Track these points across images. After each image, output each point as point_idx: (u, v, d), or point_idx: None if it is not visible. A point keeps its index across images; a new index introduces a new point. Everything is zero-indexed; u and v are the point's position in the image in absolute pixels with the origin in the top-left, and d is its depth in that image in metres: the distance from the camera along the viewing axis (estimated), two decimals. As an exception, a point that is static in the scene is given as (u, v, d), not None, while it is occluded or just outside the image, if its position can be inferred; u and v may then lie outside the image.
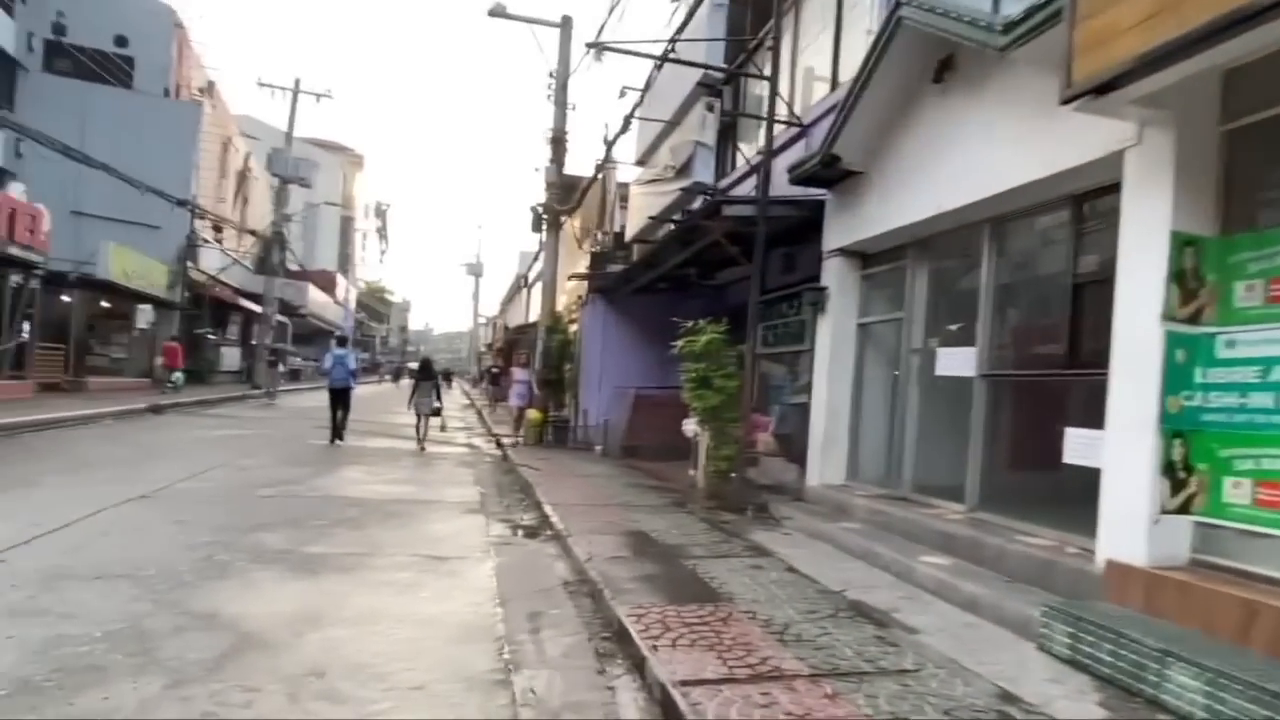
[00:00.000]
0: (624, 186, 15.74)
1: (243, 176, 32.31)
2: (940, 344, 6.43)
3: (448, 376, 16.40)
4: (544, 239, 14.05)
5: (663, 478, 9.71)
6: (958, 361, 6.04)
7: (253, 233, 25.02)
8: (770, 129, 7.60)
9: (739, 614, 4.16)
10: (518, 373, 14.52)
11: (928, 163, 6.18)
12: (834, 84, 8.41)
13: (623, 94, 11.30)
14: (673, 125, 10.44)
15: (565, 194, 13.54)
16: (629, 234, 11.71)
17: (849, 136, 6.77)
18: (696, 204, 9.58)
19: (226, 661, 3.31)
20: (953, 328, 6.42)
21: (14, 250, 15.07)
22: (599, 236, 14.23)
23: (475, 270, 56.44)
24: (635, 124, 10.61)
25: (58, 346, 16.69)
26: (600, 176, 13.39)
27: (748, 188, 8.53)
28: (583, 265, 15.63)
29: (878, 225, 6.83)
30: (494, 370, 20.18)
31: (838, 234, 7.48)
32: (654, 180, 9.58)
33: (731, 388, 7.23)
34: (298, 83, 25.38)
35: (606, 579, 4.73)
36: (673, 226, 9.34)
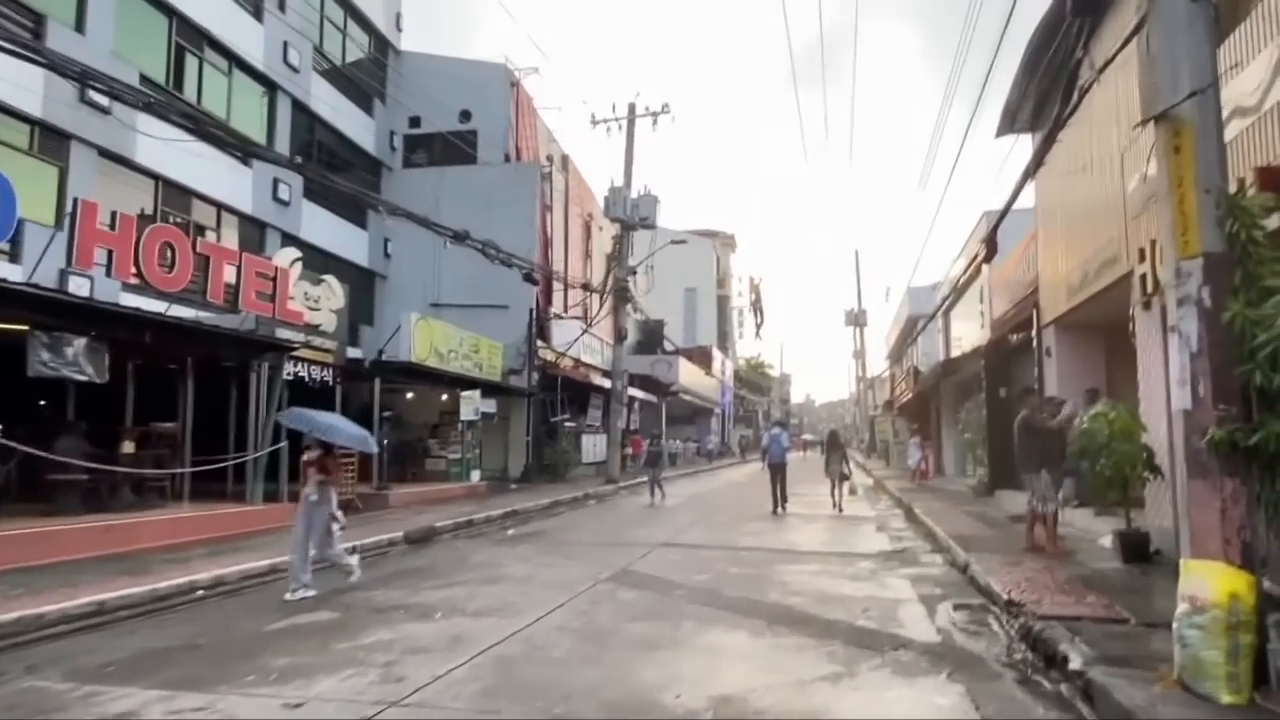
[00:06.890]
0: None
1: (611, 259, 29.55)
2: None
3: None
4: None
5: None
6: None
7: (585, 286, 20.49)
8: None
9: None
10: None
11: None
12: None
13: None
14: None
15: None
16: None
17: None
18: None
19: None
20: None
21: (286, 332, 11.62)
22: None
23: (857, 320, 47.24)
24: None
25: (349, 455, 12.82)
26: None
27: None
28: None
29: None
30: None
31: None
32: None
33: None
34: (632, 107, 20.80)
35: None
36: None
